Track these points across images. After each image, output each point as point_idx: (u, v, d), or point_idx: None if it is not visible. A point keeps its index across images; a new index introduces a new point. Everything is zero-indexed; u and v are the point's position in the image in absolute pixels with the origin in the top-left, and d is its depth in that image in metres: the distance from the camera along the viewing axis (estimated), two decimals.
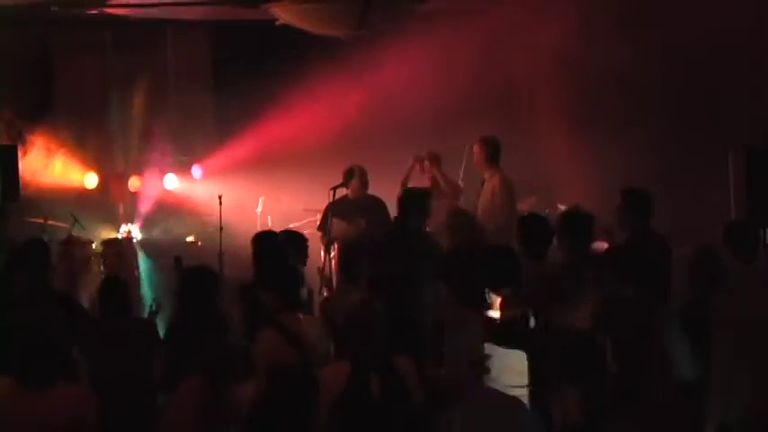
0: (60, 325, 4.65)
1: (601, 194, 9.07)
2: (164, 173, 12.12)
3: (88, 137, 11.70)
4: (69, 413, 4.47)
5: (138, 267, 10.80)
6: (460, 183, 9.62)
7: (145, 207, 11.94)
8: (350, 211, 9.03)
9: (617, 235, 7.19)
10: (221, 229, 10.41)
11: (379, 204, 9.14)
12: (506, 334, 5.09)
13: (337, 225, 8.99)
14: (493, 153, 8.78)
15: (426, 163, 9.32)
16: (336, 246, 8.96)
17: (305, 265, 7.12)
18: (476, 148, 8.91)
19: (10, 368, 4.53)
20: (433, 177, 9.25)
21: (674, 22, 9.97)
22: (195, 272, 6.07)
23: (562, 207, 9.81)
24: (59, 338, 4.60)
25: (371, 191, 9.32)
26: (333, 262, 8.69)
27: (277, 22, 10.29)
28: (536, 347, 5.06)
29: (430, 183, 9.19)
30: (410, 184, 9.19)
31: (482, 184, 8.78)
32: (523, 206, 9.03)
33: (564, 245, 6.24)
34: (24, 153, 10.95)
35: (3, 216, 8.57)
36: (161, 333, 6.11)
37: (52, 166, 11.44)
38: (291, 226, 10.06)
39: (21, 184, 10.05)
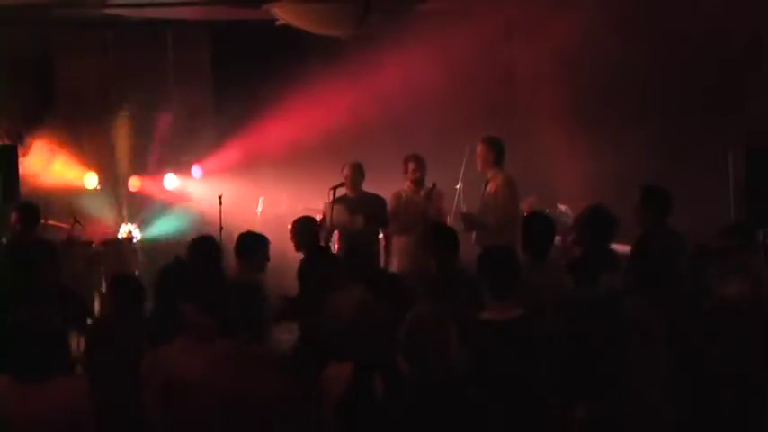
0: (57, 321, 4.66)
1: (601, 194, 9.07)
2: (164, 173, 12.12)
3: (88, 137, 11.71)
4: (67, 409, 4.49)
5: (138, 267, 10.79)
6: (460, 183, 9.60)
7: (145, 207, 11.95)
8: (349, 208, 9.01)
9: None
10: (221, 228, 10.41)
11: (378, 202, 9.13)
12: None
13: (337, 212, 8.97)
14: (499, 154, 8.73)
15: (411, 164, 9.21)
16: (337, 235, 8.95)
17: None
18: (480, 149, 8.75)
19: (7, 367, 4.56)
20: (416, 180, 9.14)
21: (675, 23, 9.97)
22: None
23: (562, 207, 9.83)
24: (56, 335, 4.62)
25: (373, 190, 9.31)
26: None
27: (277, 22, 10.28)
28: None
29: (412, 185, 9.13)
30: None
31: (485, 183, 8.76)
32: (523, 206, 9.00)
33: (583, 242, 6.26)
34: (24, 153, 10.95)
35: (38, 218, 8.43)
36: None
37: (52, 167, 11.44)
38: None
39: (21, 184, 10.06)
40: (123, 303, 5.91)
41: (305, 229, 7.57)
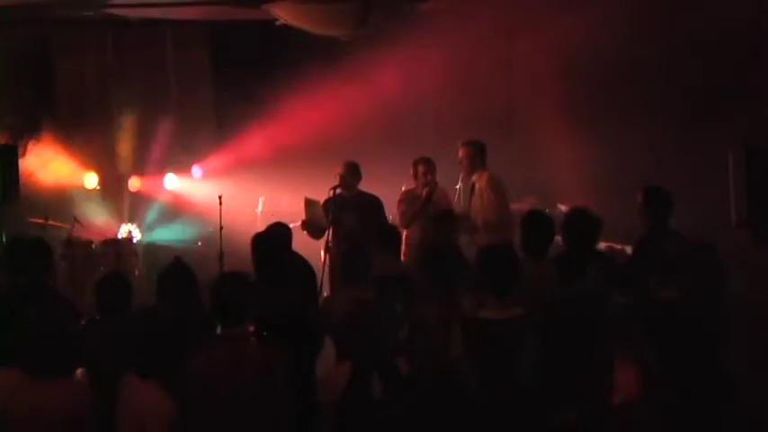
0: (72, 321, 4.71)
1: (600, 194, 9.08)
2: (164, 173, 12.12)
3: (88, 137, 11.71)
4: (67, 408, 4.53)
5: (138, 267, 10.79)
6: (460, 183, 9.61)
7: (145, 207, 11.95)
8: (344, 208, 8.99)
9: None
10: (221, 228, 10.41)
11: (374, 202, 9.10)
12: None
13: (312, 209, 9.03)
14: (482, 155, 8.78)
15: (420, 168, 9.17)
16: (333, 232, 8.92)
17: None
18: (463, 152, 8.79)
19: (10, 362, 4.59)
20: (426, 183, 9.13)
21: (675, 22, 9.97)
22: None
23: (562, 207, 9.83)
24: (72, 333, 4.66)
25: (373, 191, 9.30)
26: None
27: (277, 23, 10.28)
28: None
29: (425, 188, 9.09)
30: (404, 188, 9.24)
31: (472, 186, 8.78)
32: (523, 206, 9.01)
33: (566, 244, 6.29)
34: (24, 153, 10.95)
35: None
36: None
37: (52, 166, 11.44)
38: (291, 226, 10.06)
39: (21, 183, 10.05)
40: (109, 304, 5.88)
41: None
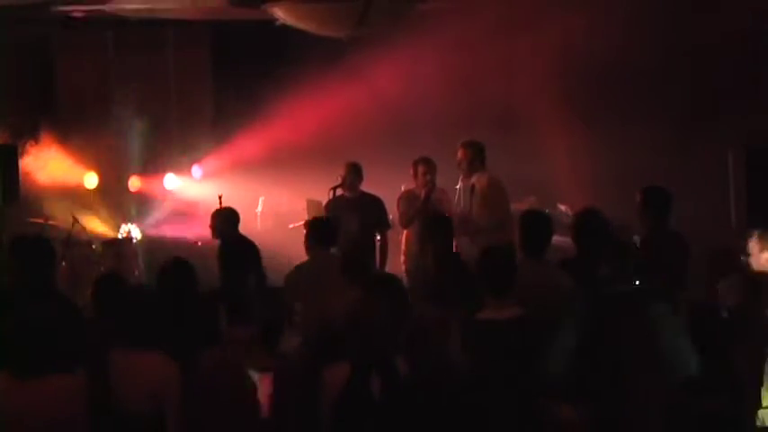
0: (58, 319, 4.69)
1: (601, 194, 9.07)
2: (164, 173, 12.13)
3: (88, 136, 11.71)
4: (59, 408, 4.51)
5: (138, 267, 10.79)
6: (460, 183, 9.61)
7: (145, 207, 11.96)
8: (346, 208, 8.99)
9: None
10: None
11: (375, 202, 9.11)
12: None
13: (312, 208, 9.06)
14: (481, 156, 8.76)
15: (420, 168, 9.15)
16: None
17: None
18: (462, 154, 8.74)
19: (6, 363, 4.59)
20: (426, 183, 9.10)
21: (676, 22, 9.97)
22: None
23: (562, 207, 9.83)
24: (56, 332, 4.64)
25: (373, 191, 9.30)
26: None
27: (277, 22, 10.29)
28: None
29: (424, 188, 9.06)
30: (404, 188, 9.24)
31: (471, 187, 8.76)
32: (523, 206, 8.99)
33: (577, 244, 6.28)
34: (24, 153, 10.95)
35: None
36: None
37: (52, 166, 11.44)
38: (291, 226, 10.11)
39: (21, 183, 10.06)
40: (107, 304, 5.86)
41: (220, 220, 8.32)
